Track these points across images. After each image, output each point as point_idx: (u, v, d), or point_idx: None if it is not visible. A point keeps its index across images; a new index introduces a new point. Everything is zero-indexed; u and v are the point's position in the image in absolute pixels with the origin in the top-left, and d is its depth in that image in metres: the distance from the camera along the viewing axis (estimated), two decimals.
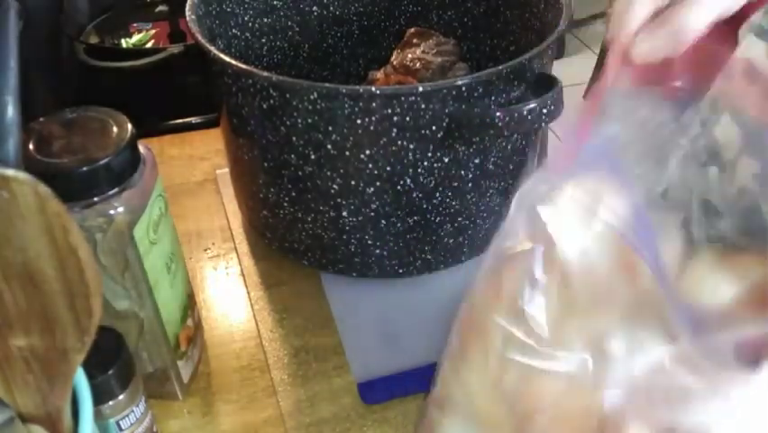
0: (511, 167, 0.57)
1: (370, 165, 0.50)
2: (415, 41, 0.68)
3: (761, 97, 0.55)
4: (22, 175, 0.28)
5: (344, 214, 0.54)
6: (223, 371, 0.55)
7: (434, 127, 0.49)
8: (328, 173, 0.52)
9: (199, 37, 0.52)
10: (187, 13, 0.56)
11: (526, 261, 0.36)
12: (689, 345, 0.35)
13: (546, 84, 0.51)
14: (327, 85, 0.47)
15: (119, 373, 0.41)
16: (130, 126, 0.43)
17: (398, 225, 0.55)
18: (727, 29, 0.52)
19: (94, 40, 0.97)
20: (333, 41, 0.74)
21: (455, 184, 0.53)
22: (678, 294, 0.37)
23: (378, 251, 0.57)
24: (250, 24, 0.67)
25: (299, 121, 0.49)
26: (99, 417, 0.42)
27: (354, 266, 0.58)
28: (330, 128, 0.49)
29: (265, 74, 0.49)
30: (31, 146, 0.41)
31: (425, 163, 0.51)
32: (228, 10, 0.64)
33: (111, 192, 0.42)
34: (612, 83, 0.42)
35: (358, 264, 0.58)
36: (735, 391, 0.33)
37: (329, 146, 0.50)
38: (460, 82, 0.47)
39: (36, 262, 0.30)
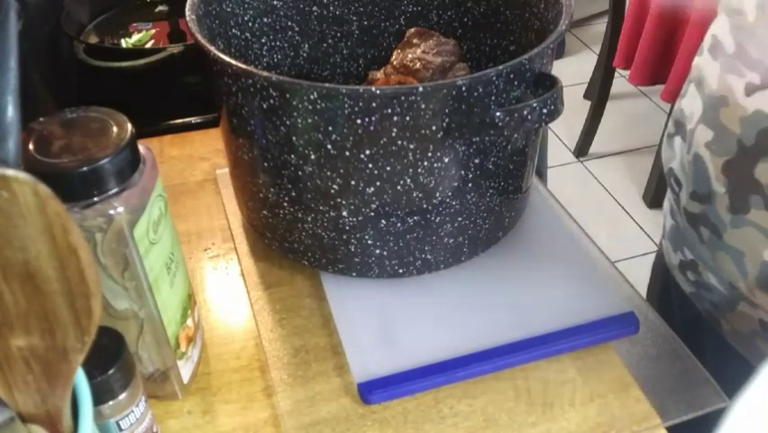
0: (511, 167, 0.57)
1: (370, 165, 0.50)
2: (415, 41, 0.68)
3: (721, 70, 0.57)
4: (23, 175, 0.28)
5: (344, 214, 0.54)
6: (223, 371, 0.55)
7: (434, 127, 0.49)
8: (328, 173, 0.52)
9: (199, 37, 0.52)
10: (187, 13, 0.56)
11: None
12: None
13: (546, 84, 0.51)
14: (327, 85, 0.47)
15: (119, 373, 0.41)
16: (130, 126, 0.43)
17: (398, 225, 0.55)
18: None
19: (94, 40, 0.97)
20: (333, 41, 0.74)
21: (455, 184, 0.53)
22: None
23: (378, 251, 0.57)
24: (250, 24, 0.67)
25: (299, 121, 0.49)
26: (99, 417, 0.42)
27: (354, 266, 0.58)
28: (330, 128, 0.49)
29: (265, 74, 0.49)
30: (31, 146, 0.41)
31: (425, 163, 0.51)
32: (228, 10, 0.64)
33: (111, 192, 0.42)
34: None
35: (358, 264, 0.58)
36: None
37: (329, 146, 0.50)
38: (460, 82, 0.47)
39: (36, 262, 0.30)
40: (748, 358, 0.63)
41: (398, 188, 0.52)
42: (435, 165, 0.51)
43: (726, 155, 0.56)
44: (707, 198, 0.59)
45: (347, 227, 0.55)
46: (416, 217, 0.54)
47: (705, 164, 0.59)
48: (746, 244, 0.56)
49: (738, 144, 0.55)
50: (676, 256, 0.69)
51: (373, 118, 0.48)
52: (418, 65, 0.66)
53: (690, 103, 0.62)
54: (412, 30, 0.69)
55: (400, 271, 0.59)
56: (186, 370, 0.52)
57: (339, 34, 0.74)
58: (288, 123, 0.50)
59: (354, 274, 0.59)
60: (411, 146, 0.49)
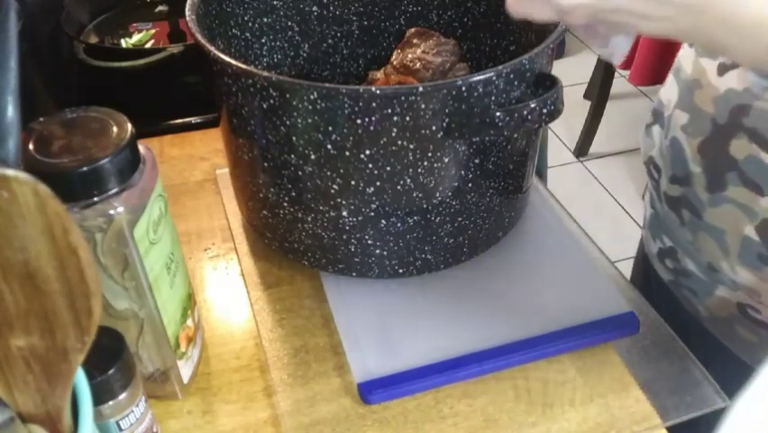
0: (511, 167, 0.57)
1: (370, 165, 0.50)
2: (415, 41, 0.68)
3: (695, 56, 0.60)
4: (23, 175, 0.28)
5: (344, 214, 0.54)
6: (223, 371, 0.55)
7: (434, 127, 0.49)
8: (328, 173, 0.52)
9: (199, 37, 0.52)
10: (187, 13, 0.56)
11: None
12: None
13: (546, 84, 0.51)
14: (327, 85, 0.47)
15: (119, 373, 0.41)
16: (130, 126, 0.43)
17: (398, 225, 0.55)
18: None
19: (94, 40, 0.97)
20: (333, 41, 0.74)
21: (455, 184, 0.53)
22: None
23: (378, 251, 0.57)
24: (250, 24, 0.67)
25: (299, 121, 0.49)
26: (99, 417, 0.42)
27: (354, 266, 0.58)
28: (330, 128, 0.49)
29: (265, 74, 0.49)
30: (31, 146, 0.41)
31: (425, 163, 0.51)
32: (228, 10, 0.64)
33: (111, 192, 0.42)
34: None
35: (358, 264, 0.58)
36: None
37: (329, 146, 0.50)
38: (460, 82, 0.47)
39: (36, 262, 0.30)
40: (729, 346, 0.64)
41: (398, 188, 0.52)
42: (435, 165, 0.51)
43: (700, 135, 0.58)
44: (685, 180, 0.61)
45: (347, 227, 0.55)
46: (416, 217, 0.54)
47: (682, 146, 0.60)
48: (726, 221, 0.57)
49: (712, 123, 0.57)
50: (655, 245, 0.70)
51: (373, 118, 0.48)
52: (418, 65, 0.66)
53: (668, 92, 0.65)
54: (412, 30, 0.69)
55: (400, 271, 0.59)
56: (186, 370, 0.52)
57: (339, 34, 0.74)
58: (288, 123, 0.50)
59: (354, 274, 0.59)
60: (411, 146, 0.49)
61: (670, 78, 0.65)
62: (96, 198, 0.41)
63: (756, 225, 0.55)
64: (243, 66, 0.49)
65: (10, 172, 0.28)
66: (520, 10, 0.42)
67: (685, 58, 0.62)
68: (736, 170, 0.55)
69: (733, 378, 0.53)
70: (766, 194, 0.53)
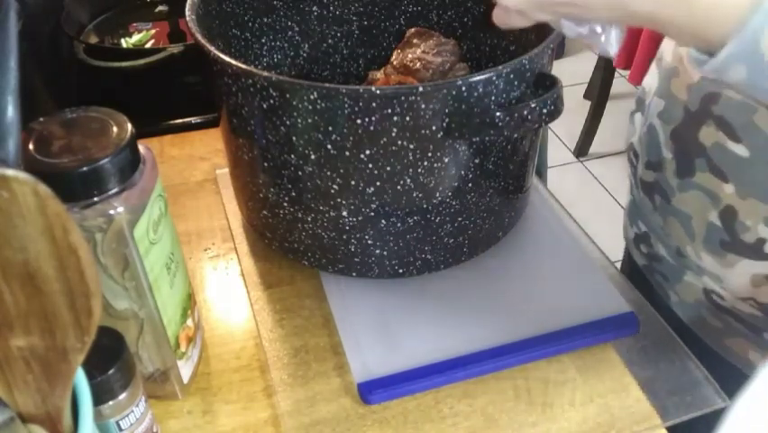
0: (511, 167, 0.57)
1: (370, 165, 0.50)
2: (415, 41, 0.68)
3: (675, 45, 0.61)
4: (23, 175, 0.28)
5: (344, 214, 0.54)
6: (223, 371, 0.55)
7: (434, 127, 0.49)
8: (328, 173, 0.52)
9: (199, 37, 0.52)
10: (187, 13, 0.56)
11: None
12: None
13: (546, 84, 0.51)
14: (327, 85, 0.47)
15: (119, 373, 0.41)
16: (130, 126, 0.43)
17: (398, 225, 0.55)
18: None
19: (94, 40, 0.97)
20: (333, 41, 0.74)
21: (455, 184, 0.53)
22: None
23: (378, 251, 0.57)
24: (250, 24, 0.67)
25: (299, 121, 0.49)
26: (99, 417, 0.42)
27: (354, 266, 0.58)
28: (330, 128, 0.49)
29: (265, 74, 0.49)
30: (31, 146, 0.41)
31: (425, 163, 0.51)
32: (228, 10, 0.64)
33: (111, 192, 0.42)
34: None
35: (358, 264, 0.58)
36: None
37: (329, 146, 0.50)
38: (460, 82, 0.47)
39: (36, 262, 0.30)
40: (698, 333, 0.65)
41: (398, 188, 0.52)
42: (435, 165, 0.51)
43: (674, 122, 0.59)
44: (658, 166, 0.62)
45: (347, 227, 0.55)
46: (416, 217, 0.54)
47: (657, 132, 0.62)
48: (693, 206, 0.59)
49: (684, 110, 0.58)
50: (632, 230, 0.71)
51: (373, 118, 0.48)
52: (418, 65, 0.66)
53: (650, 80, 0.66)
54: (412, 30, 0.69)
55: (400, 271, 0.59)
56: (186, 370, 0.52)
57: (339, 34, 0.74)
58: (288, 123, 0.50)
59: (354, 274, 0.59)
60: (411, 146, 0.49)
61: (653, 66, 0.67)
62: (95, 198, 0.41)
63: (720, 212, 0.56)
64: (243, 66, 0.49)
65: (10, 172, 0.28)
66: (500, 21, 0.43)
67: (666, 47, 0.63)
68: (704, 157, 0.56)
69: (707, 367, 0.54)
70: (730, 181, 0.54)
